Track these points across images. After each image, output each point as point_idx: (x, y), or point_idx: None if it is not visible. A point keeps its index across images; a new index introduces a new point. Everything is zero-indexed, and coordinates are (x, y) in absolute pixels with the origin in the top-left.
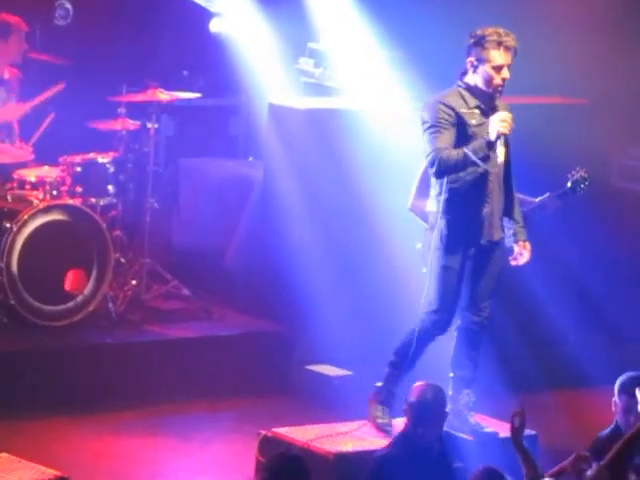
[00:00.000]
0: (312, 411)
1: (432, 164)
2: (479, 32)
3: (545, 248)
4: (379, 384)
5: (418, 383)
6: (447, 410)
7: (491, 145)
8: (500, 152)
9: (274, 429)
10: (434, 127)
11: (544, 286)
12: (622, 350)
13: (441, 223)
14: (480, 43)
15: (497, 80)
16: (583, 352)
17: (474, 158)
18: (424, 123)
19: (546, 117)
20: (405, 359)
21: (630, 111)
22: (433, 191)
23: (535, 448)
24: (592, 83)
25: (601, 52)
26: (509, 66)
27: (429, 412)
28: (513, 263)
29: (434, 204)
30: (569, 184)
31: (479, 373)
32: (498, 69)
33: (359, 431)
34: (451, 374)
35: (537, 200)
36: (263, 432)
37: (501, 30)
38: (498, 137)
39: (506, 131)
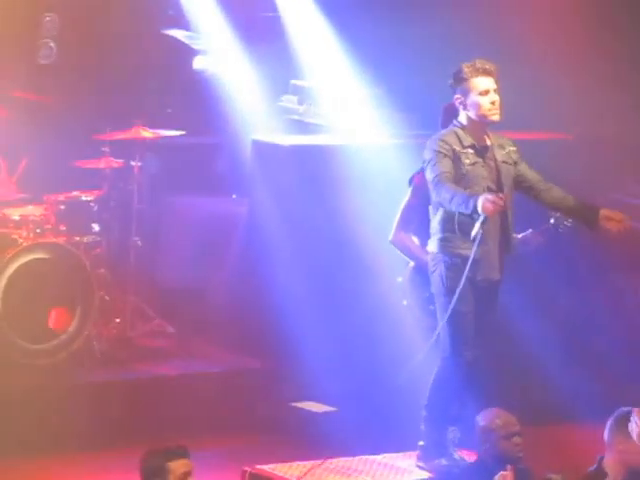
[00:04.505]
0: (297, 448)
1: (435, 186)
2: (456, 70)
3: (533, 280)
4: (422, 443)
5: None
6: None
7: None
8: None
9: (259, 466)
10: (434, 158)
11: (529, 318)
12: (608, 386)
13: (441, 266)
14: (459, 77)
15: (487, 104)
16: (568, 387)
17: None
18: (425, 160)
19: (544, 154)
20: (440, 412)
21: (631, 148)
22: (432, 231)
23: None
24: (593, 119)
25: (606, 89)
26: (495, 91)
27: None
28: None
29: (434, 244)
30: (552, 220)
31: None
32: (484, 94)
33: (344, 467)
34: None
35: (519, 236)
36: (248, 469)
37: (476, 60)
38: (485, 217)
39: (489, 214)
